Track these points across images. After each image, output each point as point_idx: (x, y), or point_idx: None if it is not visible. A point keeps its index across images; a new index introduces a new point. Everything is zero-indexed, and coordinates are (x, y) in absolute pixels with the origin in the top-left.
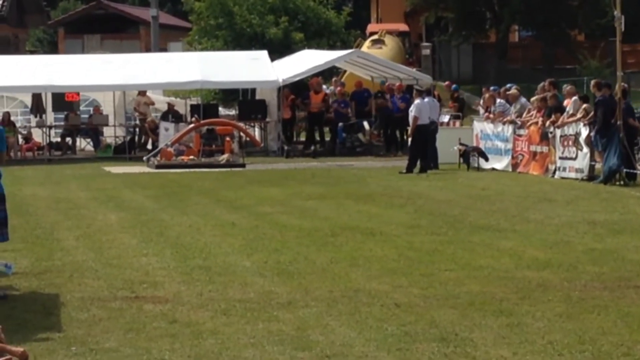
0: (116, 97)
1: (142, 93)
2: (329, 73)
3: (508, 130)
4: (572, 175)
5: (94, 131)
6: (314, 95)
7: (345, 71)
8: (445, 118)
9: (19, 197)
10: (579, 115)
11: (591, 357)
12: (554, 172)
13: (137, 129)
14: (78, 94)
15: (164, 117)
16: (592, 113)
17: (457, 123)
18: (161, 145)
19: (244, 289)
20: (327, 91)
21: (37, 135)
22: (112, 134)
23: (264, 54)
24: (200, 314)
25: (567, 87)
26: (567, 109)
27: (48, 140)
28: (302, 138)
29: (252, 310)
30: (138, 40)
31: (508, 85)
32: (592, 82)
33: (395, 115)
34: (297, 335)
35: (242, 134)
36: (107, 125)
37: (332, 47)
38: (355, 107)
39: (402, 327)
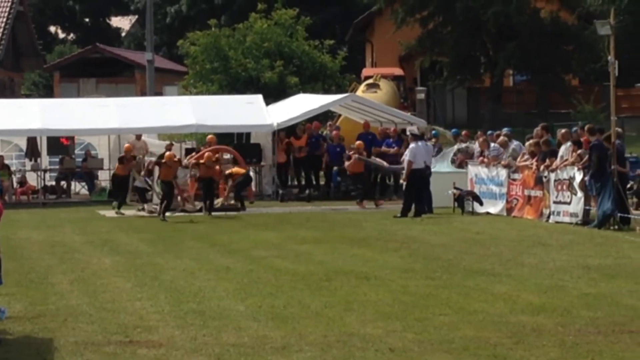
0: (111, 140)
1: (138, 137)
2: (324, 117)
3: (502, 174)
4: (567, 219)
5: (88, 175)
6: (294, 140)
7: (340, 115)
8: None
9: (14, 241)
10: (572, 160)
11: None
12: (549, 217)
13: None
14: (73, 137)
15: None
16: (586, 158)
17: None
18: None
19: (238, 334)
20: (324, 134)
21: (32, 179)
22: (107, 177)
23: (259, 98)
24: (194, 359)
25: (561, 132)
26: (561, 153)
27: (43, 184)
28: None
29: (246, 355)
30: (133, 84)
31: (504, 131)
32: (586, 127)
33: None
34: None
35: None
36: (102, 169)
37: (327, 91)
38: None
39: None
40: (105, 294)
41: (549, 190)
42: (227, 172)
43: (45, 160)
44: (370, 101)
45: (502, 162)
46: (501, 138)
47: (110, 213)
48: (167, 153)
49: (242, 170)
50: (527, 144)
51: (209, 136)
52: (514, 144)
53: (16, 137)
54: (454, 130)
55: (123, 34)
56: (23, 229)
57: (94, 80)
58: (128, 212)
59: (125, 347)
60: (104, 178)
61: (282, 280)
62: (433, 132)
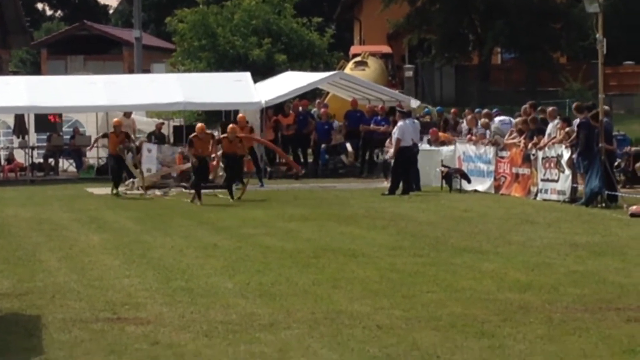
0: (99, 118)
1: (127, 115)
2: (312, 95)
3: (490, 152)
4: (554, 197)
5: (76, 152)
6: (282, 118)
7: (328, 93)
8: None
9: (1, 218)
10: (560, 137)
11: None
12: (536, 194)
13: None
14: (60, 115)
15: (149, 137)
16: (574, 135)
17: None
18: (144, 166)
19: (226, 311)
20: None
21: (20, 156)
22: (94, 155)
23: (246, 75)
24: (182, 336)
25: (549, 109)
26: (549, 131)
27: (30, 161)
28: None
29: (234, 332)
30: (121, 62)
31: (494, 111)
32: (574, 105)
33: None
34: (279, 357)
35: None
36: (89, 146)
37: (315, 68)
38: (347, 126)
39: (383, 349)
40: (93, 271)
41: (536, 168)
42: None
43: (32, 137)
44: (358, 79)
45: (484, 141)
46: (482, 120)
47: (98, 190)
48: (198, 125)
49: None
50: (514, 121)
51: (240, 115)
52: (496, 121)
53: (3, 114)
54: (438, 108)
55: (111, 11)
56: (10, 206)
57: (81, 58)
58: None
59: (113, 324)
60: (91, 155)
61: (270, 258)
62: (426, 109)
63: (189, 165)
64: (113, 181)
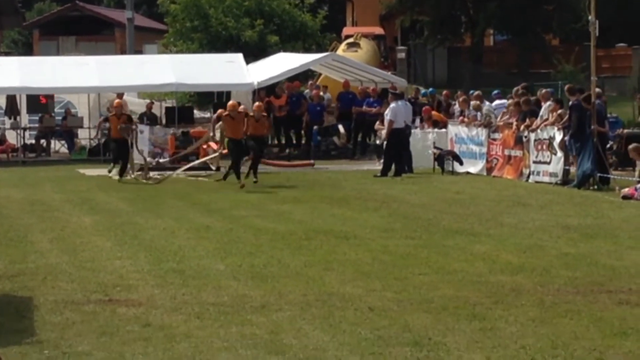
0: (91, 99)
1: (119, 96)
2: (304, 76)
3: (483, 134)
4: (546, 179)
5: (68, 133)
6: (274, 99)
7: (320, 74)
8: None
9: None
10: (552, 120)
11: None
12: (528, 176)
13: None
14: (52, 96)
15: (141, 118)
16: (566, 117)
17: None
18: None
19: (218, 293)
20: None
21: (12, 137)
22: (86, 136)
23: (239, 56)
24: (173, 318)
25: (541, 91)
26: (541, 113)
27: (22, 142)
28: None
29: (225, 314)
30: (113, 43)
31: (495, 93)
32: (566, 87)
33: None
34: (271, 339)
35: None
36: (81, 127)
37: (307, 50)
38: (339, 108)
39: (375, 331)
40: (84, 252)
41: (528, 150)
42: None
43: (24, 118)
44: (350, 60)
45: (476, 123)
46: (473, 102)
47: (90, 172)
48: (230, 102)
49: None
50: (507, 103)
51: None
52: (486, 105)
53: None
54: (431, 89)
55: None
56: (2, 187)
57: (73, 39)
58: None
59: (105, 305)
60: (83, 136)
61: (261, 240)
62: (422, 92)
63: (213, 155)
64: (114, 163)
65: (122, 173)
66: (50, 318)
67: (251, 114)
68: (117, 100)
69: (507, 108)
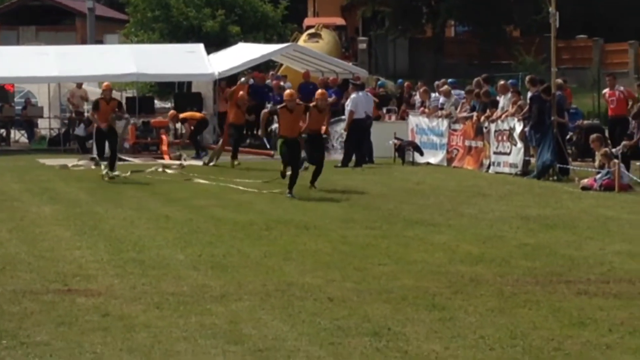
0: (51, 89)
1: (79, 85)
2: (265, 67)
3: (443, 124)
4: (506, 170)
5: (28, 123)
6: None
7: (281, 65)
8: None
9: None
10: (512, 111)
11: (522, 352)
12: (489, 167)
13: (70, 121)
14: (12, 85)
15: None
16: (526, 109)
17: (393, 117)
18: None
19: (178, 283)
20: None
21: None
22: (46, 125)
23: (200, 47)
24: (133, 308)
25: (501, 83)
26: (501, 104)
27: None
28: None
29: (185, 304)
30: (74, 32)
31: (449, 82)
32: (527, 78)
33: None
34: (230, 329)
35: (177, 126)
36: (41, 117)
37: (268, 40)
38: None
39: (335, 322)
40: (44, 242)
41: (489, 141)
42: (182, 115)
43: None
44: (311, 51)
45: (444, 112)
46: (444, 87)
47: (49, 161)
48: (287, 91)
49: (197, 115)
50: (464, 94)
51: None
52: (456, 93)
53: None
54: (399, 80)
55: None
56: None
57: (33, 28)
58: (68, 161)
59: (64, 295)
60: (43, 126)
61: (221, 230)
62: (379, 82)
63: (173, 170)
64: (99, 157)
65: (112, 166)
66: (8, 308)
67: (312, 103)
68: (105, 83)
69: (467, 99)
